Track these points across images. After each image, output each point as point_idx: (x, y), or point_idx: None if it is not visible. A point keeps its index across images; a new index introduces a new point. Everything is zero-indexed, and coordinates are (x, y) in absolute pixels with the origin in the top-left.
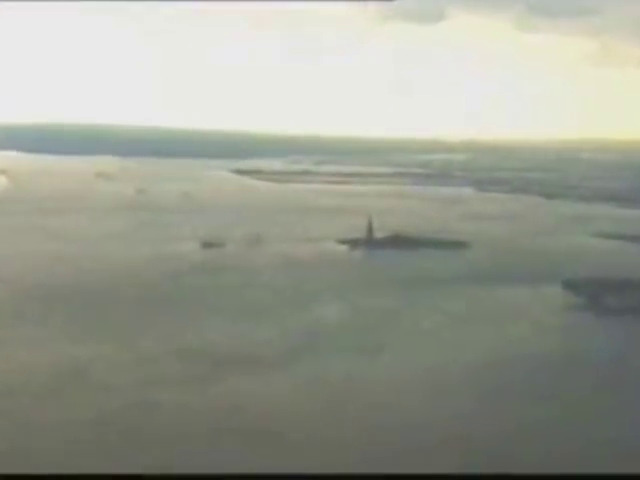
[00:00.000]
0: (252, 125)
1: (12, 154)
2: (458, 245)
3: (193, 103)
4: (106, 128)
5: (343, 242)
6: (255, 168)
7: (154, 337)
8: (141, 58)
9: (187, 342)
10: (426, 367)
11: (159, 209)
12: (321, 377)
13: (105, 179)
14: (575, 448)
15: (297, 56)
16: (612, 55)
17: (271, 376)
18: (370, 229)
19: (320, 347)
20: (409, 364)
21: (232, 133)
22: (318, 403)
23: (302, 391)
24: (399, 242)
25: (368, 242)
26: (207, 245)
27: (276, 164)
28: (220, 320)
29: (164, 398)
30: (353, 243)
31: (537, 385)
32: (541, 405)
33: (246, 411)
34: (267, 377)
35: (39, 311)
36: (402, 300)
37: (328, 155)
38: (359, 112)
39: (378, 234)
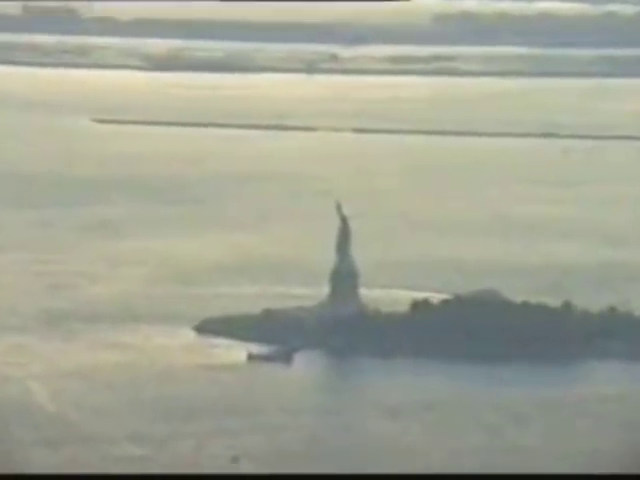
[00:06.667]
0: None
1: None
2: None
3: None
4: None
5: (220, 327)
6: None
7: None
8: None
9: None
10: None
11: None
12: None
13: None
14: None
15: None
16: None
17: None
18: (348, 268)
19: None
20: None
21: None
22: None
23: None
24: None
25: (341, 324)
26: None
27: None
28: None
29: None
30: (273, 335)
31: None
32: None
33: None
34: None
35: None
36: None
37: None
38: None
39: (386, 297)
